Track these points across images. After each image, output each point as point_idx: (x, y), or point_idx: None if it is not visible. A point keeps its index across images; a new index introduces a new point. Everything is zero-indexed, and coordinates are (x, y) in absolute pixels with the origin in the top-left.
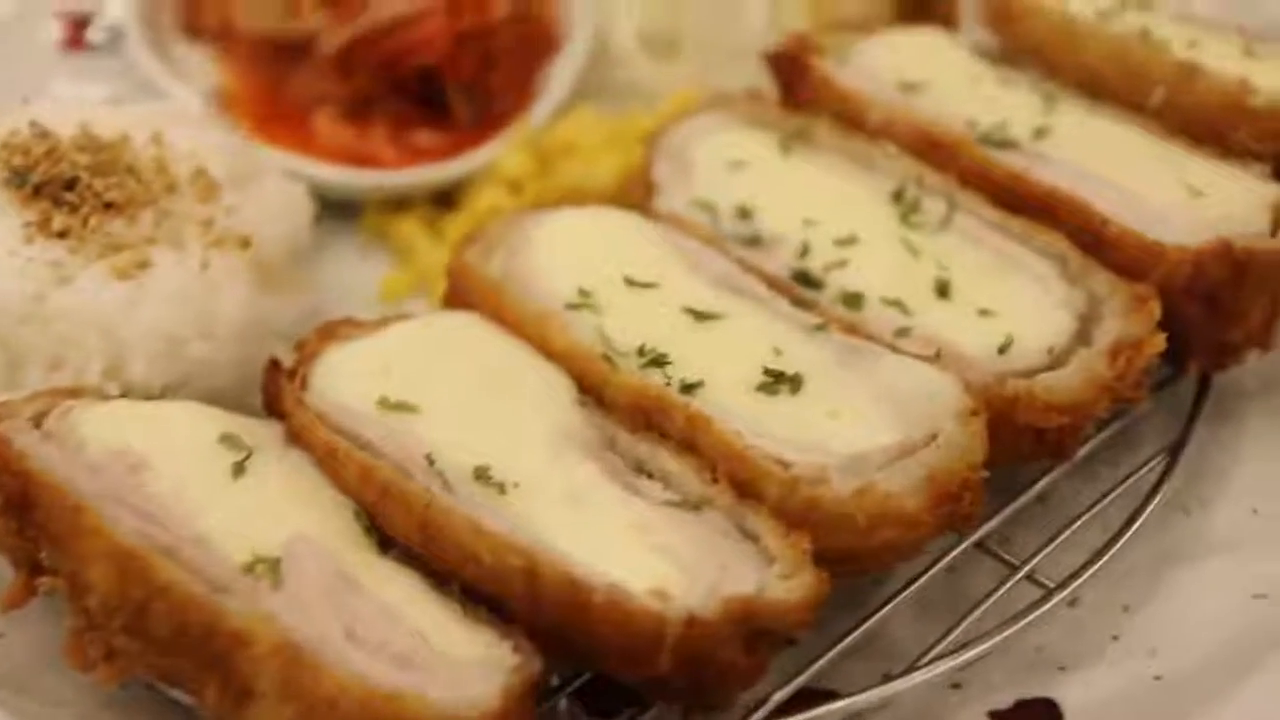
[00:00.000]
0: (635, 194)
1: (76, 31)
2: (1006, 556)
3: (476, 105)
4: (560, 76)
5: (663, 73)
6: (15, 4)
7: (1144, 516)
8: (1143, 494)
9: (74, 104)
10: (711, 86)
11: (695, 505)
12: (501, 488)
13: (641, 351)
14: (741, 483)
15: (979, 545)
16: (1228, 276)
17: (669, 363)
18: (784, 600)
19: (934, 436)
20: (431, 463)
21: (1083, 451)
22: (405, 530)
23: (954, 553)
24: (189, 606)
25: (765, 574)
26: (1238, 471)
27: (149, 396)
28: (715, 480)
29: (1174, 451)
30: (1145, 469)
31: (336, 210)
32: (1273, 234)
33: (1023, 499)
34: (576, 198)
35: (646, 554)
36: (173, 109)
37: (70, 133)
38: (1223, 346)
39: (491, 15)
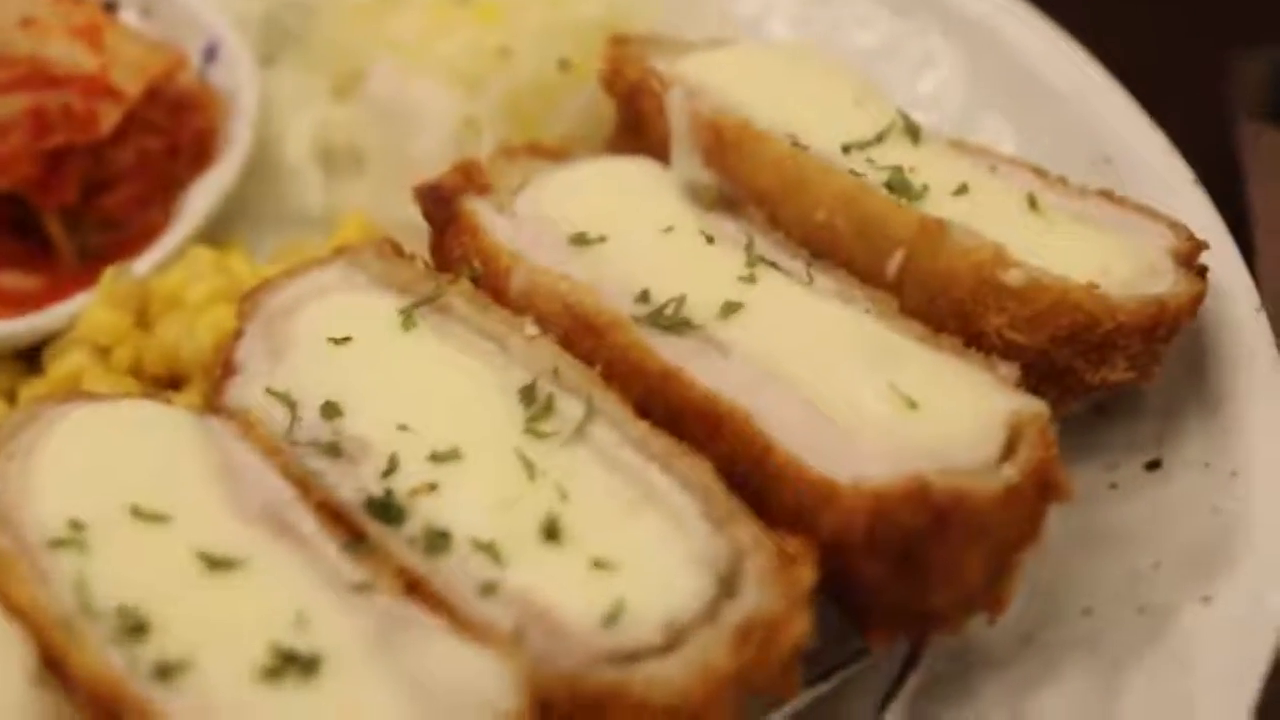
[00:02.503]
0: (212, 376)
1: None
2: None
3: (87, 238)
4: (196, 202)
5: (339, 195)
6: None
7: None
8: None
9: None
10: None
11: None
12: None
13: (122, 613)
14: None
15: None
16: (924, 526)
17: (153, 632)
18: None
19: None
20: None
21: None
22: None
23: None
24: None
25: None
26: None
27: None
28: None
29: None
30: None
31: None
32: (1001, 462)
33: None
34: (171, 369)
35: None
36: None
37: None
38: (924, 614)
39: (96, 129)
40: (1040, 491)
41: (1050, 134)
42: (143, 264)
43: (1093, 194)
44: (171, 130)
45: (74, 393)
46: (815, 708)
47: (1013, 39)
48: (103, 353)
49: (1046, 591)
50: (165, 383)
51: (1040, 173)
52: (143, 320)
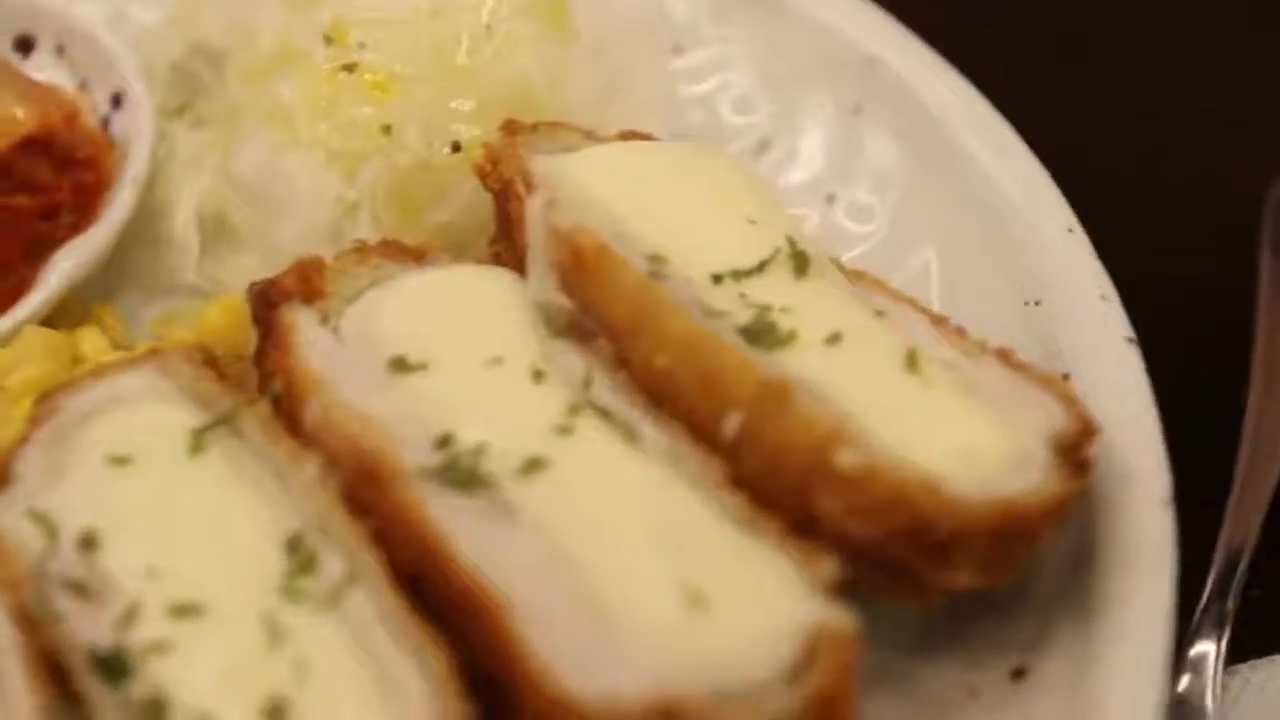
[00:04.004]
0: None
1: None
2: None
3: None
4: (53, 273)
5: (224, 267)
6: None
7: None
8: None
9: None
10: None
11: None
12: None
13: None
14: None
15: None
16: None
17: None
18: None
19: None
20: None
21: None
22: None
23: None
24: None
25: None
26: None
27: None
28: None
29: None
30: None
31: None
32: (788, 683)
33: None
34: None
35: None
36: None
37: None
38: None
39: None
40: None
41: (981, 264)
42: None
43: (988, 353)
44: (51, 187)
45: None
46: None
47: (966, 144)
48: None
49: None
50: None
51: (936, 319)
52: None
